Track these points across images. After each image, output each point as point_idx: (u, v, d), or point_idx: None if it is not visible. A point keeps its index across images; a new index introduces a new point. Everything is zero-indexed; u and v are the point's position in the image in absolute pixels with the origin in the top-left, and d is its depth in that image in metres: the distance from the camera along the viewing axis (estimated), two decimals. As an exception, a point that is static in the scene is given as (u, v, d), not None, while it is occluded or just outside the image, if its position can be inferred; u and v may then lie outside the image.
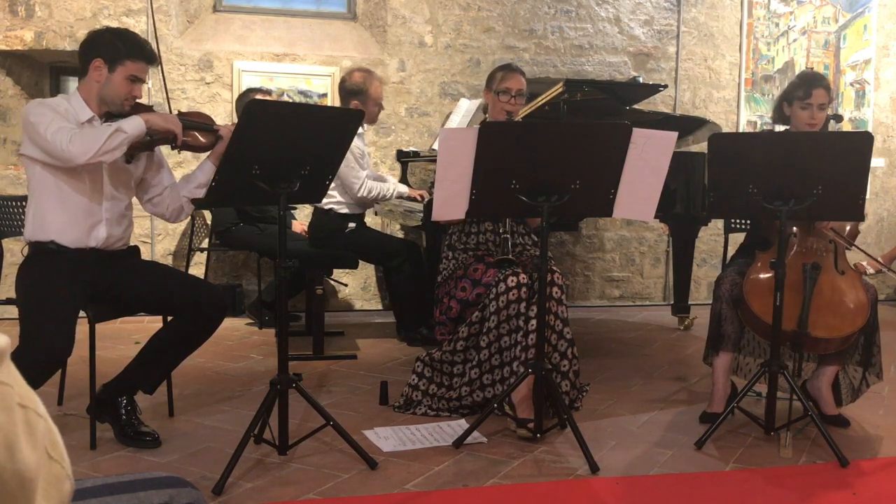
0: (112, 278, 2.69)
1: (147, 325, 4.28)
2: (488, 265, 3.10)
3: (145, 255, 2.96)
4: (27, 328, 2.50)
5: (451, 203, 2.62)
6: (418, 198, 4.26)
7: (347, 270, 4.96)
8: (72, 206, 2.63)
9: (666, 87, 4.72)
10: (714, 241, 5.82)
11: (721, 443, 2.82)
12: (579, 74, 5.58)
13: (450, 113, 5.00)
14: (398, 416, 3.05)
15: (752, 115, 5.92)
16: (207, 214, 4.90)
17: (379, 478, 2.45)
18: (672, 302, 4.80)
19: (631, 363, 4.05)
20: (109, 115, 2.68)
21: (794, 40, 5.96)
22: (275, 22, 5.36)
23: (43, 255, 2.62)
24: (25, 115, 2.57)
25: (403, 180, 4.71)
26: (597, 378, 3.68)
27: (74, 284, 2.58)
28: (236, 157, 2.37)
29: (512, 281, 2.95)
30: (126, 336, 4.28)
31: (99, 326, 2.69)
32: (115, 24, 4.89)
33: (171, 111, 2.73)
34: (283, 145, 2.43)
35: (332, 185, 2.97)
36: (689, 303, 4.68)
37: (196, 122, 2.79)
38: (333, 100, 5.20)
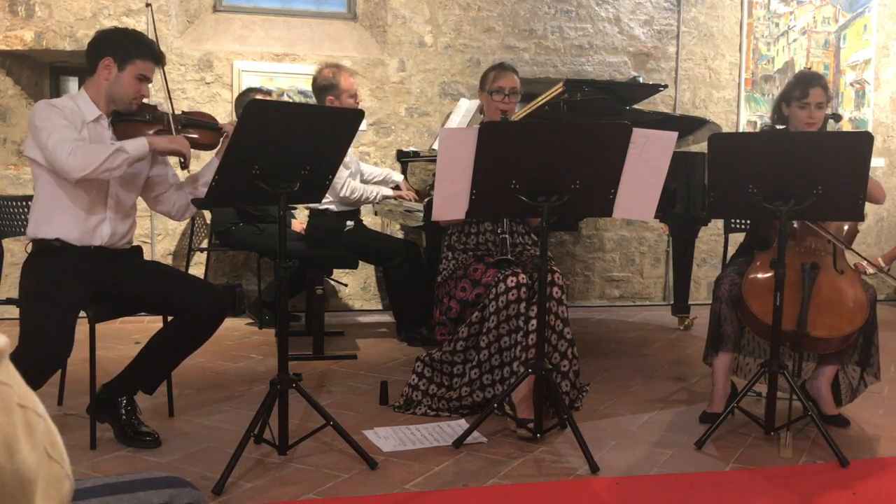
0: (114, 277, 2.69)
1: (147, 325, 4.28)
2: (488, 265, 3.10)
3: (145, 255, 2.97)
4: (27, 328, 2.50)
5: (451, 203, 2.62)
6: (403, 197, 4.27)
7: (347, 270, 4.96)
8: (78, 204, 2.64)
9: (666, 87, 4.72)
10: (714, 241, 5.82)
11: (721, 443, 2.82)
12: (579, 74, 5.57)
13: (450, 113, 5.00)
14: (398, 416, 3.05)
15: (752, 115, 5.92)
16: (207, 214, 4.90)
17: (379, 478, 2.45)
18: (672, 302, 4.80)
19: (631, 363, 4.05)
20: (117, 114, 2.70)
21: (794, 40, 5.96)
22: (275, 22, 5.36)
23: (47, 253, 2.63)
24: (31, 118, 2.57)
25: (406, 181, 4.70)
26: (597, 378, 3.68)
27: (77, 283, 2.59)
28: (236, 157, 2.37)
29: (511, 281, 2.95)
30: (126, 336, 4.28)
31: (99, 326, 2.69)
32: (115, 24, 4.89)
33: (172, 111, 2.73)
34: (283, 145, 2.43)
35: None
36: (689, 303, 4.68)
37: (201, 121, 2.82)
38: (333, 100, 5.20)
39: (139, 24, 4.93)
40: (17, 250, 4.60)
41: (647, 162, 2.65)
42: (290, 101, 4.98)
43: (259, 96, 4.20)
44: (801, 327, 2.74)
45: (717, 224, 5.11)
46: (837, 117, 3.18)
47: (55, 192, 2.61)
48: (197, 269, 4.99)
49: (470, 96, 5.21)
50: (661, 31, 5.78)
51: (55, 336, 2.46)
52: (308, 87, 5.20)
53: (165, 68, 2.80)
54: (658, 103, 5.59)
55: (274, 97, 4.80)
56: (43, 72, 5.23)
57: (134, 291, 2.74)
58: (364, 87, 5.28)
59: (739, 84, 5.90)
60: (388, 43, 5.35)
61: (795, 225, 2.98)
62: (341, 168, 4.09)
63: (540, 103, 4.03)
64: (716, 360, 3.05)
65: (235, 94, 5.09)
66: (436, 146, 4.28)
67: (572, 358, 3.04)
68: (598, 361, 4.05)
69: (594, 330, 4.97)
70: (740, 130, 5.83)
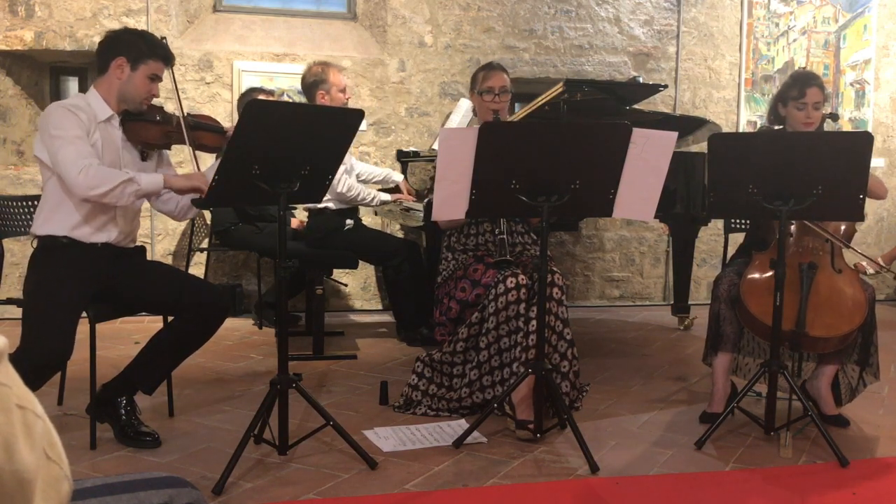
0: (117, 276, 2.70)
1: (147, 325, 4.28)
2: (488, 266, 3.10)
3: (146, 256, 3.00)
4: (29, 330, 2.50)
5: (451, 203, 2.62)
6: (401, 199, 4.29)
7: (347, 270, 4.96)
8: (87, 204, 2.64)
9: (666, 87, 4.71)
10: (714, 241, 5.82)
11: (721, 443, 2.82)
12: (579, 74, 5.57)
13: (450, 113, 5.00)
14: (398, 416, 3.05)
15: (752, 115, 5.92)
16: (207, 214, 4.90)
17: (379, 478, 2.45)
18: (672, 302, 4.80)
19: (631, 363, 4.05)
20: (126, 114, 2.71)
21: (794, 40, 5.96)
22: (275, 22, 5.36)
23: (54, 250, 2.63)
24: (45, 123, 2.58)
25: (406, 180, 4.70)
26: (597, 378, 3.68)
27: (81, 282, 2.59)
28: (236, 157, 2.37)
29: (511, 282, 2.94)
30: (126, 336, 4.28)
31: (99, 326, 2.69)
32: (115, 25, 4.89)
33: (182, 112, 2.73)
34: (283, 145, 2.43)
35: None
36: (689, 303, 4.68)
37: (207, 124, 2.84)
38: (333, 100, 5.20)
39: (139, 24, 4.93)
40: (17, 250, 4.60)
41: (647, 162, 2.65)
42: (290, 101, 4.97)
43: (262, 96, 4.20)
44: (800, 327, 2.74)
45: (717, 224, 5.11)
46: (835, 117, 3.18)
47: (66, 190, 2.61)
48: (197, 269, 4.99)
49: (470, 96, 5.20)
50: (661, 31, 5.78)
51: (56, 339, 2.46)
52: (308, 87, 5.21)
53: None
54: (658, 103, 5.59)
55: (275, 97, 4.80)
56: (43, 72, 5.23)
57: (135, 291, 2.75)
58: (364, 87, 5.28)
59: (739, 84, 5.90)
60: (388, 43, 5.35)
61: (793, 227, 2.97)
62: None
63: (540, 103, 4.03)
64: (715, 360, 3.05)
65: (235, 94, 5.09)
66: (436, 146, 4.29)
67: (572, 358, 3.04)
68: (598, 361, 4.05)
69: (594, 330, 4.97)
70: (740, 130, 5.83)
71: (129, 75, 2.67)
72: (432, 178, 3.39)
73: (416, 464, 2.56)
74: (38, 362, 2.43)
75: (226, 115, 5.11)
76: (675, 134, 2.70)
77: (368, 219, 4.97)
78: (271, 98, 4.45)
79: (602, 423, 3.04)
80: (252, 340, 4.39)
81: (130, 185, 2.56)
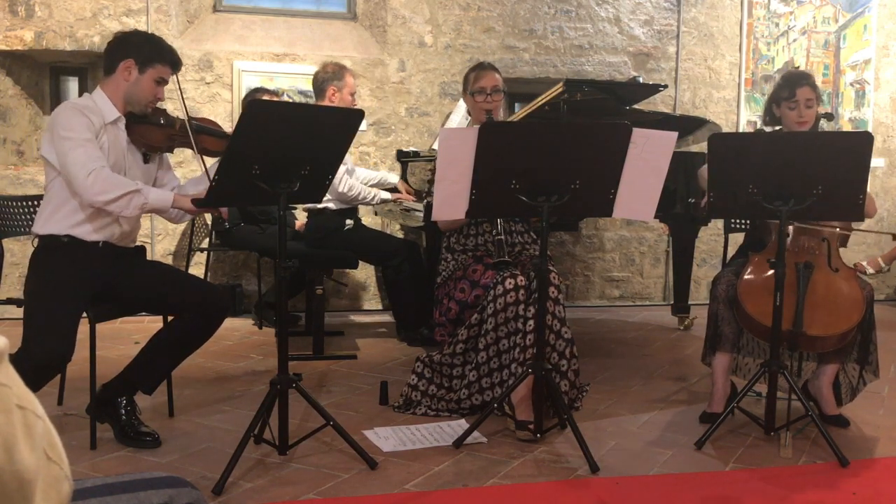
0: (118, 276, 2.70)
1: (147, 325, 4.28)
2: (487, 266, 3.10)
3: (146, 255, 3.01)
4: (30, 331, 2.50)
5: (451, 203, 2.62)
6: (401, 199, 4.30)
7: (347, 270, 4.96)
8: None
9: (666, 87, 4.71)
10: (714, 241, 5.82)
11: (721, 443, 2.82)
12: (579, 74, 5.57)
13: (450, 113, 5.00)
14: (398, 416, 3.05)
15: (752, 115, 5.92)
16: (208, 214, 4.90)
17: (379, 478, 2.45)
18: (672, 302, 4.80)
19: (631, 363, 4.05)
20: (131, 116, 2.72)
21: (794, 40, 5.96)
22: (275, 22, 5.36)
23: (55, 250, 2.63)
24: (55, 124, 2.58)
25: (403, 180, 4.70)
26: (597, 378, 3.68)
27: (82, 282, 2.59)
28: (236, 157, 2.37)
29: (510, 283, 2.94)
30: (126, 336, 4.28)
31: (99, 326, 2.69)
32: (115, 24, 4.89)
33: (187, 115, 2.73)
34: (283, 145, 2.42)
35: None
36: (689, 303, 4.68)
37: (210, 128, 2.83)
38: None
39: (139, 24, 4.93)
40: (17, 250, 4.60)
41: (647, 162, 2.65)
42: (291, 101, 4.97)
43: (266, 97, 4.20)
44: (797, 326, 2.74)
45: (717, 224, 5.10)
46: (830, 116, 3.18)
47: (70, 193, 2.61)
48: (197, 269, 4.99)
49: (463, 97, 5.20)
50: (661, 31, 5.78)
51: (57, 339, 2.46)
52: (308, 87, 5.21)
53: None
54: (658, 103, 5.59)
55: (280, 98, 4.80)
56: (43, 72, 5.23)
57: (135, 291, 2.75)
58: (364, 87, 5.28)
59: (739, 84, 5.90)
60: (388, 43, 5.35)
61: (790, 227, 2.97)
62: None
63: (540, 103, 4.03)
64: (714, 360, 3.05)
65: (235, 94, 5.09)
66: (436, 146, 4.29)
67: (571, 357, 3.04)
68: (598, 361, 4.05)
69: (594, 330, 4.97)
70: (740, 130, 5.83)
71: (137, 78, 2.68)
72: (430, 181, 3.39)
73: (416, 464, 2.56)
74: (40, 363, 2.43)
75: (226, 115, 5.11)
76: (675, 134, 2.70)
77: (368, 219, 4.97)
78: (276, 98, 4.45)
79: (602, 423, 3.04)
80: (252, 340, 4.39)
81: (137, 197, 2.56)
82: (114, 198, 2.53)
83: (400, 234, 5.10)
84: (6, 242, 3.28)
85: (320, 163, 2.56)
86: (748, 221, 3.48)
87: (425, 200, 3.92)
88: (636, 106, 4.40)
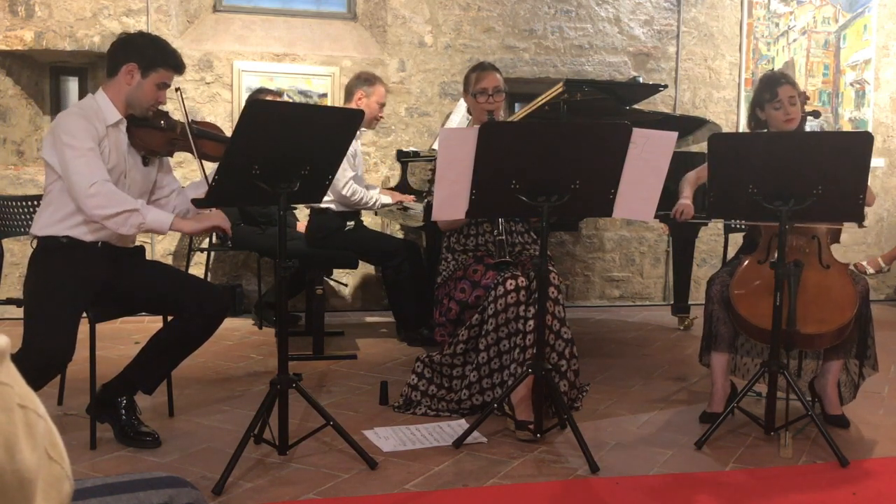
0: (117, 276, 2.70)
1: (147, 325, 4.28)
2: (487, 266, 3.10)
3: (145, 254, 2.99)
4: (31, 331, 2.50)
5: (451, 203, 2.62)
6: (402, 200, 4.30)
7: (347, 270, 4.96)
8: None
9: (666, 87, 4.72)
10: (714, 241, 5.82)
11: (721, 443, 2.82)
12: (579, 74, 5.57)
13: (450, 113, 5.00)
14: (398, 416, 3.05)
15: (752, 115, 5.91)
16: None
17: (379, 478, 2.45)
18: (672, 302, 4.80)
19: (631, 363, 4.05)
20: (132, 119, 2.71)
21: (794, 40, 5.96)
22: (275, 22, 5.36)
23: (54, 251, 2.63)
24: (58, 129, 2.57)
25: (403, 180, 4.71)
26: (597, 378, 3.68)
27: (82, 283, 2.59)
28: (236, 157, 2.37)
29: (510, 284, 2.94)
30: (126, 336, 4.28)
31: (99, 326, 2.69)
32: (115, 24, 4.90)
33: (188, 119, 2.71)
34: (283, 145, 2.42)
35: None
36: (689, 303, 4.68)
37: (211, 132, 2.82)
38: (333, 100, 5.20)
39: (139, 24, 4.93)
40: (17, 250, 4.60)
41: (647, 162, 2.65)
42: (291, 101, 4.97)
43: (269, 97, 4.20)
44: (791, 325, 2.74)
45: (717, 224, 5.10)
46: (816, 114, 3.19)
47: (71, 197, 2.60)
48: (197, 269, 4.99)
49: (463, 98, 5.20)
50: (661, 31, 5.78)
51: (58, 339, 2.46)
52: (308, 86, 5.22)
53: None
54: (658, 103, 5.59)
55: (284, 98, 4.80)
56: (43, 72, 5.23)
57: (135, 291, 2.74)
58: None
59: (739, 84, 5.90)
60: (388, 43, 5.35)
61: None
62: (346, 168, 4.11)
63: (540, 103, 4.03)
64: (713, 360, 3.06)
65: (235, 94, 5.09)
66: (436, 146, 4.29)
67: (570, 357, 3.04)
68: (598, 361, 4.04)
69: (594, 330, 4.97)
70: (740, 130, 5.83)
71: (139, 82, 2.67)
72: (431, 181, 3.39)
73: (416, 464, 2.56)
74: (41, 363, 2.43)
75: (226, 115, 5.11)
76: (675, 134, 2.70)
77: (369, 219, 4.97)
78: (279, 99, 4.45)
79: (602, 423, 3.04)
80: (252, 340, 4.39)
81: (135, 217, 2.54)
82: (112, 213, 2.52)
83: (400, 235, 5.10)
84: (6, 242, 3.28)
85: (320, 163, 2.56)
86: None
87: (425, 200, 3.92)
88: (636, 106, 4.40)
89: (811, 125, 3.19)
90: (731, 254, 3.77)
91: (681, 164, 3.95)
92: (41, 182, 2.72)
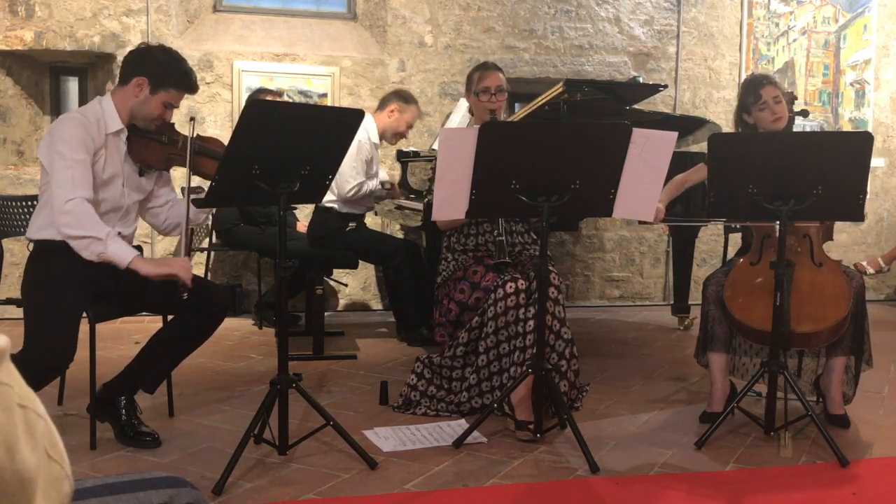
0: (116, 276, 2.68)
1: (147, 325, 4.28)
2: (487, 268, 3.10)
3: (146, 254, 2.98)
4: (31, 333, 2.49)
5: (451, 203, 2.62)
6: (401, 202, 4.33)
7: (347, 270, 4.96)
8: None
9: (666, 87, 4.71)
10: (714, 241, 5.82)
11: (721, 443, 2.82)
12: (579, 74, 5.57)
13: (450, 113, 5.00)
14: (398, 416, 3.05)
15: (752, 115, 5.92)
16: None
17: (379, 478, 2.45)
18: (672, 302, 4.80)
19: (631, 363, 4.05)
20: (133, 128, 2.69)
21: (794, 40, 5.96)
22: (275, 22, 5.36)
23: (50, 252, 2.62)
24: (54, 133, 2.55)
25: (403, 180, 4.71)
26: (597, 378, 3.68)
27: (81, 283, 2.58)
28: (236, 157, 2.37)
29: (510, 287, 2.94)
30: (126, 336, 4.28)
31: (99, 326, 2.69)
32: (115, 25, 4.90)
33: (192, 134, 2.67)
34: (283, 145, 2.42)
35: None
36: (689, 303, 4.68)
37: (213, 150, 2.75)
38: (333, 100, 5.21)
39: (139, 24, 4.94)
40: (17, 250, 4.60)
41: (647, 162, 2.65)
42: (291, 100, 4.97)
43: (269, 97, 4.20)
44: (785, 325, 2.74)
45: (718, 224, 5.10)
46: (805, 113, 3.19)
47: None
48: (197, 269, 4.95)
49: (466, 96, 5.20)
50: (661, 31, 5.78)
51: (58, 341, 2.45)
52: (308, 86, 5.22)
53: None
54: (658, 103, 5.59)
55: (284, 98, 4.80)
56: (43, 72, 5.23)
57: (135, 290, 2.74)
58: (364, 87, 5.28)
59: (739, 84, 5.89)
60: (388, 43, 5.35)
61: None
62: (357, 171, 4.11)
63: (540, 103, 4.03)
64: (711, 360, 3.06)
65: (235, 94, 5.09)
66: (436, 146, 4.29)
67: (570, 357, 3.04)
68: (598, 361, 4.05)
69: (594, 330, 4.97)
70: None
71: (147, 97, 2.64)
72: (431, 179, 3.39)
73: (416, 464, 2.56)
74: (42, 365, 2.42)
75: (226, 116, 5.11)
76: (675, 134, 2.70)
77: (369, 219, 4.97)
78: (279, 99, 4.45)
79: (602, 423, 3.04)
80: (252, 340, 4.39)
81: (97, 245, 2.48)
82: (77, 235, 2.48)
83: (400, 235, 5.11)
84: (6, 242, 3.28)
85: (320, 163, 2.55)
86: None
87: (425, 200, 3.92)
88: (636, 106, 4.40)
89: (811, 125, 3.20)
90: (731, 254, 3.77)
91: (681, 164, 3.95)
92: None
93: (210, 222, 4.76)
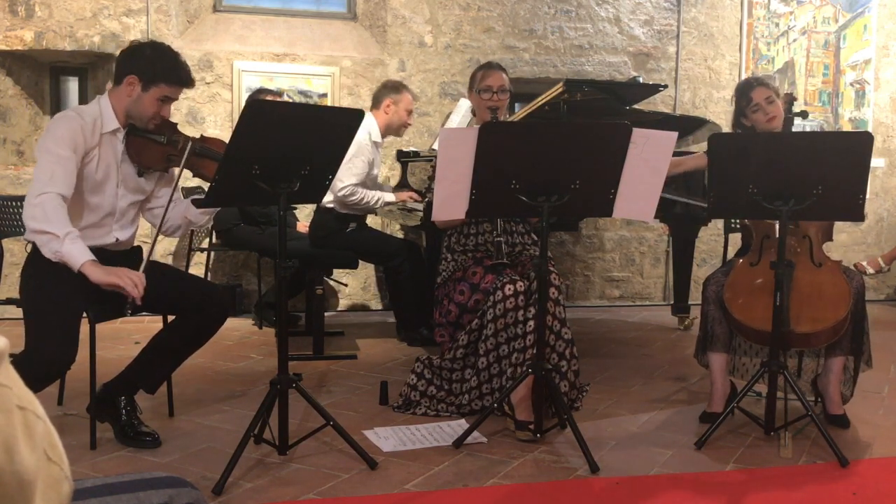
0: None
1: (147, 325, 4.28)
2: (486, 269, 3.10)
3: (145, 254, 2.99)
4: (32, 335, 2.48)
5: (451, 203, 2.62)
6: (408, 200, 4.28)
7: (347, 270, 4.96)
8: (84, 217, 2.63)
9: (666, 87, 4.72)
10: (714, 241, 5.82)
11: (721, 443, 2.82)
12: (579, 74, 5.57)
13: (450, 113, 5.00)
14: (398, 416, 3.05)
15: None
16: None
17: (379, 478, 2.45)
18: (672, 302, 4.80)
19: (631, 363, 4.05)
20: (133, 128, 2.67)
21: (794, 40, 5.96)
22: (275, 22, 5.36)
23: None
24: (49, 128, 2.55)
25: (403, 180, 4.71)
26: (597, 378, 3.68)
27: (80, 284, 2.57)
28: (236, 157, 2.37)
29: (509, 289, 2.94)
30: (126, 336, 4.28)
31: (99, 326, 2.68)
32: (115, 25, 4.90)
33: (195, 136, 2.66)
34: (283, 145, 2.42)
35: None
36: (689, 303, 4.68)
37: (213, 152, 2.70)
38: (333, 100, 5.21)
39: (139, 24, 4.94)
40: (17, 250, 4.60)
41: (647, 162, 2.65)
42: (291, 101, 4.97)
43: (269, 97, 4.19)
44: (785, 325, 2.74)
45: (717, 224, 5.11)
46: (804, 114, 3.21)
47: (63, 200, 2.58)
48: (197, 269, 4.99)
49: (468, 95, 5.20)
50: (661, 31, 5.78)
51: (60, 342, 2.44)
52: (308, 86, 5.22)
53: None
54: (658, 103, 5.59)
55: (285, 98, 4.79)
56: (43, 72, 5.23)
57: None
58: (364, 87, 5.28)
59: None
60: (388, 43, 5.35)
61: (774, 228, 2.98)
62: (354, 171, 4.10)
63: (540, 103, 4.03)
64: (711, 360, 3.06)
65: (235, 94, 5.09)
66: (436, 146, 4.29)
67: (571, 358, 3.04)
68: (598, 361, 4.05)
69: (594, 330, 4.97)
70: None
71: (139, 95, 2.62)
72: (431, 178, 3.39)
73: (416, 464, 2.56)
74: (43, 368, 2.41)
75: (226, 116, 5.11)
76: (675, 134, 2.70)
77: (369, 219, 4.97)
78: (280, 99, 4.44)
79: (602, 423, 3.04)
80: (252, 340, 4.39)
81: (55, 243, 2.43)
82: (38, 230, 2.44)
83: (400, 235, 5.11)
84: (6, 242, 3.28)
85: (320, 163, 2.55)
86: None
87: (426, 200, 3.92)
88: (636, 106, 4.41)
89: (811, 125, 3.22)
90: (731, 254, 3.77)
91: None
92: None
93: (210, 222, 4.78)
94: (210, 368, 3.73)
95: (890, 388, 3.57)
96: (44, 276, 2.57)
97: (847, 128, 6.01)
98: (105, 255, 2.69)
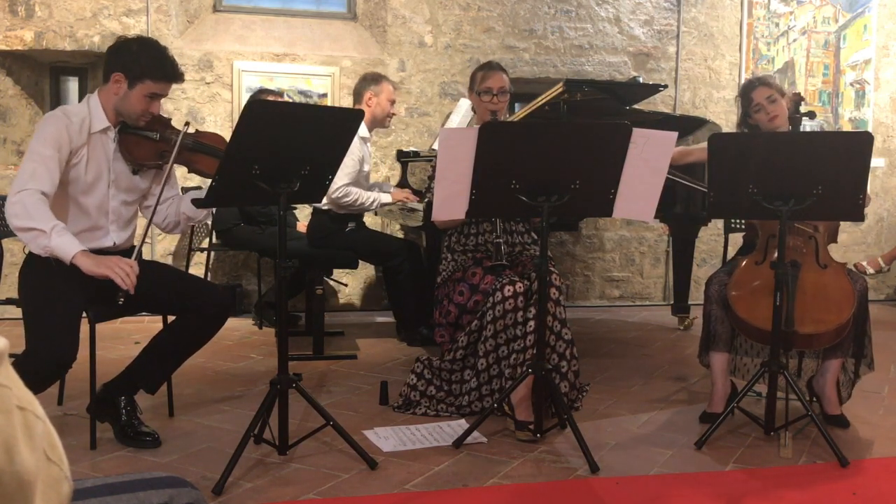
0: None
1: (147, 325, 4.28)
2: (486, 269, 3.10)
3: (145, 254, 2.97)
4: (33, 336, 2.47)
5: (451, 203, 2.62)
6: (404, 200, 4.27)
7: (347, 270, 4.96)
8: (80, 219, 2.63)
9: (666, 87, 4.71)
10: (714, 241, 5.82)
11: (721, 443, 2.82)
12: (579, 74, 5.57)
13: (450, 113, 5.00)
14: (398, 416, 3.05)
15: (752, 115, 5.91)
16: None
17: (379, 478, 2.45)
18: (672, 302, 4.80)
19: (631, 363, 4.05)
20: (124, 126, 2.66)
21: (794, 40, 5.96)
22: (275, 22, 5.36)
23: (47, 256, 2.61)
24: (37, 130, 2.54)
25: (403, 180, 4.71)
26: (597, 378, 3.68)
27: (80, 285, 2.57)
28: (236, 157, 2.37)
29: (509, 290, 2.93)
30: (126, 336, 4.28)
31: (99, 326, 2.68)
32: (115, 25, 4.90)
33: (186, 130, 2.66)
34: (283, 145, 2.42)
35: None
36: (689, 303, 4.68)
37: (209, 146, 2.71)
38: (333, 100, 5.21)
39: (139, 24, 4.94)
40: (17, 250, 4.60)
41: (647, 162, 2.65)
42: (291, 100, 4.97)
43: (269, 97, 4.19)
44: (789, 325, 2.74)
45: (717, 224, 5.11)
46: (812, 115, 3.22)
47: (59, 202, 2.57)
48: (197, 269, 4.99)
49: (469, 95, 5.20)
50: (661, 31, 5.78)
51: (60, 343, 2.44)
52: (308, 86, 5.22)
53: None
54: (658, 103, 5.59)
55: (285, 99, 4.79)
56: (43, 72, 5.23)
57: (136, 291, 2.73)
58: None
59: (739, 84, 5.89)
60: (388, 43, 5.35)
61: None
62: (346, 171, 4.08)
63: (540, 103, 4.03)
64: (712, 359, 3.06)
65: (235, 94, 5.09)
66: (436, 146, 4.29)
67: (571, 358, 3.04)
68: (598, 361, 4.05)
69: (594, 330, 4.97)
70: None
71: (126, 92, 2.59)
72: (431, 178, 3.39)
73: (416, 464, 2.56)
74: (44, 369, 2.41)
75: (226, 116, 5.11)
76: (675, 134, 2.70)
77: (369, 219, 4.97)
78: (280, 99, 4.44)
79: (602, 423, 3.04)
80: (252, 340, 4.39)
81: (42, 238, 2.41)
82: (23, 227, 2.41)
83: (400, 235, 5.10)
84: (6, 242, 3.28)
85: (320, 163, 2.55)
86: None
87: (426, 200, 3.92)
88: (636, 106, 4.40)
89: (812, 125, 3.22)
90: (731, 254, 3.77)
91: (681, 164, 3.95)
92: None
93: (210, 222, 4.78)
94: (210, 368, 3.73)
95: (890, 388, 3.57)
96: (43, 275, 2.56)
97: (847, 128, 6.01)
98: (107, 254, 2.69)
